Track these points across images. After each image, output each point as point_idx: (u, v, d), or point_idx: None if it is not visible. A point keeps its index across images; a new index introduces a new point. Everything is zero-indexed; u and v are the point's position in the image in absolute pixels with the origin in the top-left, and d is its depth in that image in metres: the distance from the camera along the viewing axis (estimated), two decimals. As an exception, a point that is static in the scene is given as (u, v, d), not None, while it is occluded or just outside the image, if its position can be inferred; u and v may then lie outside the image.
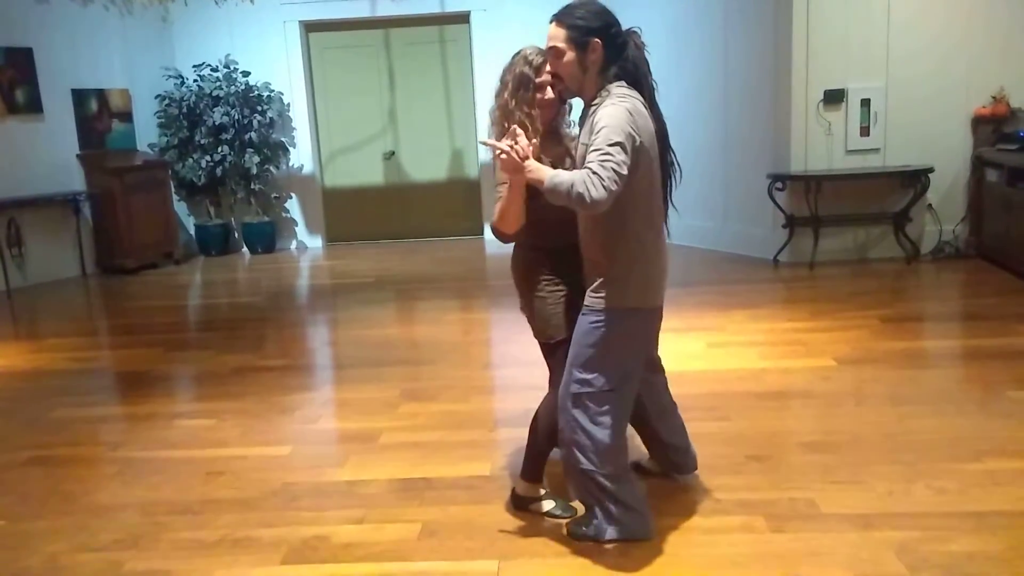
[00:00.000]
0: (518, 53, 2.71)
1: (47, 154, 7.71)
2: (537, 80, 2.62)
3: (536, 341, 2.84)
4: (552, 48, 2.49)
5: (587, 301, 2.56)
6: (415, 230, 9.38)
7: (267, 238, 9.14)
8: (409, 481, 3.24)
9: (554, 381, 2.76)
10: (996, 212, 6.38)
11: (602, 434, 2.56)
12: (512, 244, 2.81)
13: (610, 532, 2.65)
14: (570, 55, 2.46)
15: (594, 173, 2.25)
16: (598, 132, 2.33)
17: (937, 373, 4.29)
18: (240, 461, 3.52)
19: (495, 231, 2.65)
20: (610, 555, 2.62)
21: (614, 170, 2.26)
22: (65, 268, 7.92)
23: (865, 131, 6.72)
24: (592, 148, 2.32)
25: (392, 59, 9.15)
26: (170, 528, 2.96)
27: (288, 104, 9.02)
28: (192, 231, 9.24)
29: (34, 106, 7.59)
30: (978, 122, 6.67)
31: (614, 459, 2.59)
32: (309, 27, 9.06)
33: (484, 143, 2.54)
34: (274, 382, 4.57)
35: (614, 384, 2.55)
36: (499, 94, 2.71)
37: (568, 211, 2.45)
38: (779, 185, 6.74)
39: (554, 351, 2.75)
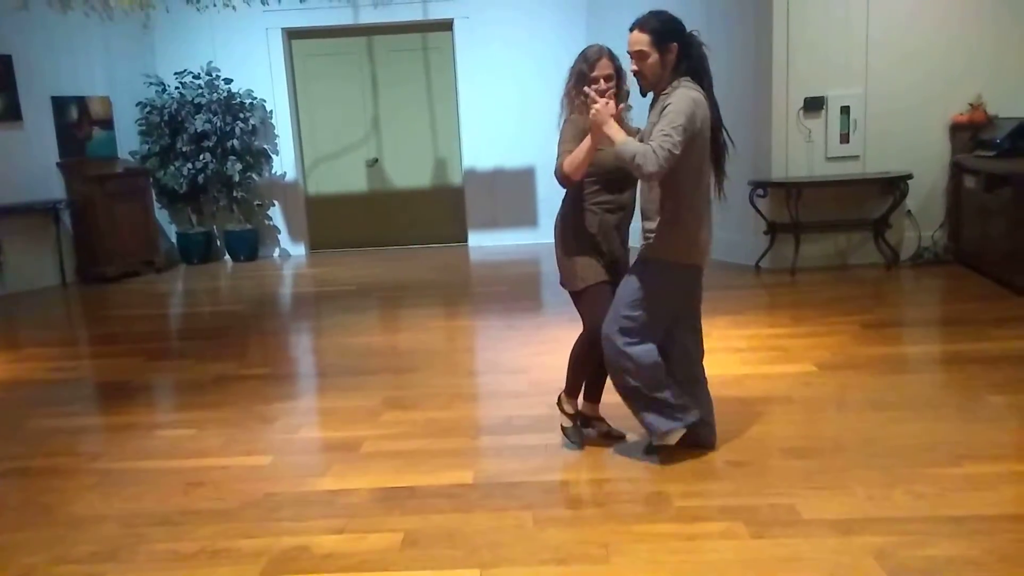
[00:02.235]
0: (582, 52, 3.27)
1: (26, 162, 7.66)
2: (591, 75, 3.17)
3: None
4: (638, 51, 2.99)
5: (641, 251, 3.15)
6: (399, 237, 9.37)
7: (249, 246, 9.11)
8: (391, 490, 3.22)
9: (584, 323, 3.35)
10: (974, 218, 6.44)
11: (640, 355, 3.11)
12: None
13: (667, 428, 3.18)
14: (654, 56, 2.98)
15: (654, 151, 2.82)
16: (667, 114, 2.89)
17: (917, 378, 4.33)
18: (221, 471, 3.50)
19: (563, 177, 3.18)
20: (591, 562, 2.63)
21: (670, 150, 2.82)
22: (45, 277, 7.85)
23: (845, 138, 6.79)
24: (659, 126, 2.87)
25: (375, 66, 9.15)
26: (149, 540, 2.93)
27: (271, 111, 9.00)
28: (174, 239, 9.19)
29: (13, 113, 7.54)
30: (956, 129, 6.75)
31: (652, 374, 3.13)
32: (292, 34, 9.05)
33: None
34: (256, 391, 4.54)
35: (650, 322, 3.12)
36: (566, 82, 3.29)
37: (617, 175, 3.17)
38: (760, 192, 6.79)
39: (578, 298, 3.37)
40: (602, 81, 3.17)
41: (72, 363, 5.51)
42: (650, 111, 3.11)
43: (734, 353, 4.75)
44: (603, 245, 3.31)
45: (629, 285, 3.15)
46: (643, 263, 3.13)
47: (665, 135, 2.83)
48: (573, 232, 3.32)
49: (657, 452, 3.28)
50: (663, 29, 2.96)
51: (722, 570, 2.55)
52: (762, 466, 3.29)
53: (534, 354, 4.88)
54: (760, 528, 2.77)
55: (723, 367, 4.48)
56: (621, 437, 3.54)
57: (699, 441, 3.38)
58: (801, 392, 4.09)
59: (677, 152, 2.83)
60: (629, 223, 3.39)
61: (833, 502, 2.93)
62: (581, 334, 3.41)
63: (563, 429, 3.53)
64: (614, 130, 2.97)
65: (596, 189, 3.26)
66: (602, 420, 3.60)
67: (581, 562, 2.63)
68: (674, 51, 2.97)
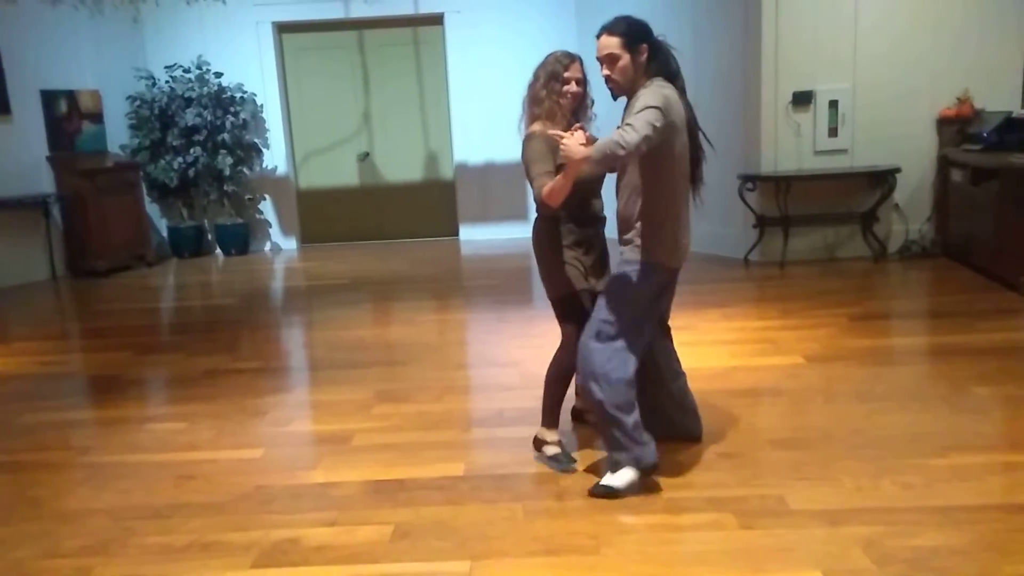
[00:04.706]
0: (551, 54, 3.22)
1: (15, 156, 7.61)
2: (565, 75, 3.12)
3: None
4: (609, 55, 2.91)
5: (621, 255, 3.06)
6: (390, 231, 9.37)
7: (241, 240, 9.09)
8: (382, 483, 3.23)
9: (565, 335, 3.27)
10: (961, 211, 6.49)
11: (613, 370, 2.95)
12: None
13: (622, 473, 2.99)
14: (625, 59, 2.90)
15: (628, 124, 2.71)
16: (638, 100, 2.80)
17: (904, 370, 4.36)
18: (211, 464, 3.50)
19: (541, 205, 3.09)
20: (581, 553, 2.65)
21: (648, 122, 2.70)
22: (34, 271, 7.82)
23: (833, 132, 6.81)
24: (632, 112, 2.78)
25: (366, 60, 9.13)
26: (139, 533, 2.93)
27: (261, 105, 8.97)
28: (165, 233, 9.16)
29: (2, 107, 7.47)
30: (943, 123, 6.78)
31: (623, 393, 2.96)
32: (282, 28, 9.02)
33: (551, 134, 2.94)
34: (247, 384, 4.55)
35: (628, 328, 2.98)
36: (531, 85, 3.22)
37: (587, 188, 3.12)
38: (749, 185, 6.81)
39: (561, 305, 3.27)
40: (574, 83, 3.13)
41: (62, 357, 5.50)
42: (623, 115, 2.96)
43: (723, 346, 4.78)
44: (583, 252, 3.24)
45: (609, 289, 3.07)
46: (625, 266, 3.03)
47: (638, 114, 2.73)
48: (549, 240, 3.23)
49: (603, 493, 3.00)
50: (631, 31, 2.91)
51: (711, 561, 2.57)
52: (751, 457, 3.31)
53: (525, 347, 4.89)
54: (749, 519, 2.80)
55: (712, 359, 4.51)
56: None
57: (686, 433, 3.41)
58: (789, 384, 4.12)
59: (659, 125, 2.72)
60: (604, 229, 3.33)
61: (821, 493, 2.96)
62: (558, 351, 3.30)
63: (552, 458, 3.28)
64: (588, 153, 2.75)
65: (566, 203, 3.05)
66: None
67: (571, 553, 2.65)
68: (644, 52, 2.92)
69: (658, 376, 3.32)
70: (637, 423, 2.99)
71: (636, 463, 2.98)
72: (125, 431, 3.97)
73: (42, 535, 2.96)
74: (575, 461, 3.28)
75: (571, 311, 3.24)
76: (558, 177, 2.94)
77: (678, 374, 3.40)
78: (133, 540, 2.89)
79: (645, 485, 3.03)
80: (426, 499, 3.08)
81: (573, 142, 2.76)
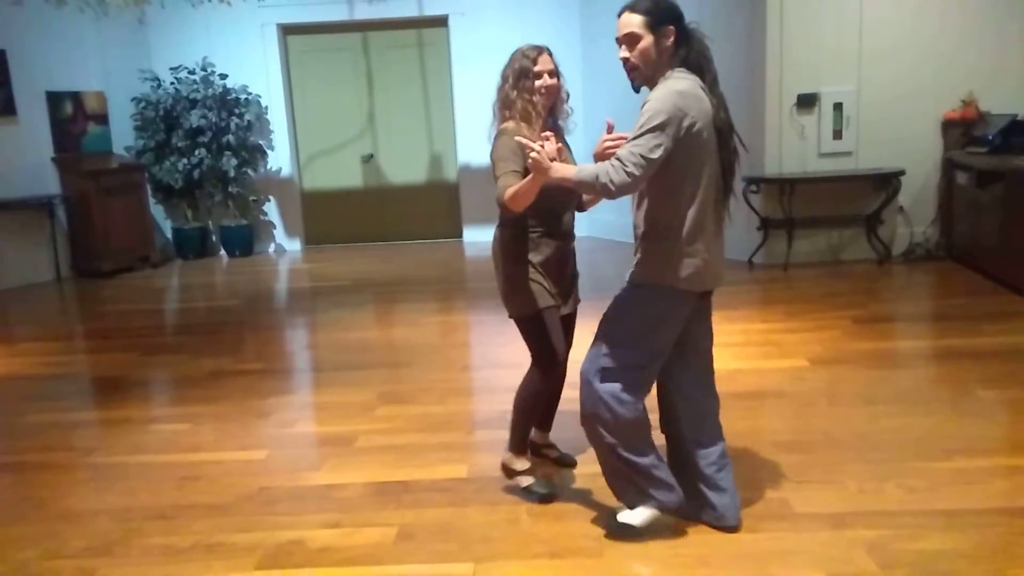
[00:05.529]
0: (516, 51, 2.95)
1: (21, 157, 7.63)
2: (535, 69, 2.86)
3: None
4: (629, 34, 2.52)
5: (630, 275, 2.64)
6: (394, 233, 9.37)
7: (245, 241, 9.10)
8: (386, 484, 3.24)
9: (533, 358, 2.98)
10: (965, 214, 6.47)
11: (625, 410, 2.59)
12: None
13: (641, 511, 2.67)
14: (647, 40, 2.51)
15: (618, 159, 2.39)
16: (642, 114, 2.43)
17: (908, 373, 4.35)
18: (215, 466, 3.50)
19: (504, 207, 2.76)
20: (584, 555, 2.64)
21: (641, 156, 2.37)
22: (39, 272, 7.83)
23: (838, 134, 6.81)
24: (632, 132, 2.43)
25: (370, 62, 9.14)
26: (143, 534, 2.94)
27: (266, 107, 8.98)
28: (169, 234, 9.17)
29: (7, 109, 7.51)
30: (948, 126, 6.77)
31: (637, 433, 2.62)
32: (287, 30, 9.03)
33: (521, 141, 2.65)
34: (251, 386, 4.55)
35: (644, 362, 2.60)
36: (500, 88, 2.98)
37: (559, 200, 2.80)
38: (754, 188, 6.80)
39: (526, 325, 2.95)
40: (546, 76, 2.87)
41: (67, 358, 5.51)
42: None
43: (727, 348, 4.76)
44: (552, 270, 2.96)
45: (613, 317, 2.66)
46: (633, 287, 2.64)
47: (633, 143, 2.40)
48: (514, 251, 2.94)
49: (621, 531, 2.71)
50: (657, 9, 2.50)
51: (714, 564, 2.57)
52: (754, 460, 3.31)
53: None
54: (753, 521, 2.79)
55: (716, 362, 4.46)
56: (573, 464, 3.32)
57: (713, 520, 2.75)
58: (793, 386, 4.11)
59: (654, 157, 2.37)
60: (573, 242, 3.08)
61: (825, 496, 2.95)
62: (527, 374, 3.01)
63: (525, 489, 3.03)
64: (561, 172, 2.52)
65: (535, 213, 2.85)
66: (552, 446, 3.38)
67: (575, 555, 2.65)
68: (671, 36, 2.51)
69: (680, 451, 2.77)
70: (656, 464, 2.65)
71: (661, 508, 2.68)
72: (129, 432, 3.98)
73: (46, 536, 2.96)
74: (554, 488, 3.05)
75: (536, 331, 2.93)
76: (525, 180, 2.65)
77: (705, 443, 2.75)
78: (137, 541, 2.89)
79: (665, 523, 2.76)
80: (430, 501, 3.08)
81: (543, 156, 2.50)
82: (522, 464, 3.06)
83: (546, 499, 3.00)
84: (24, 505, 3.23)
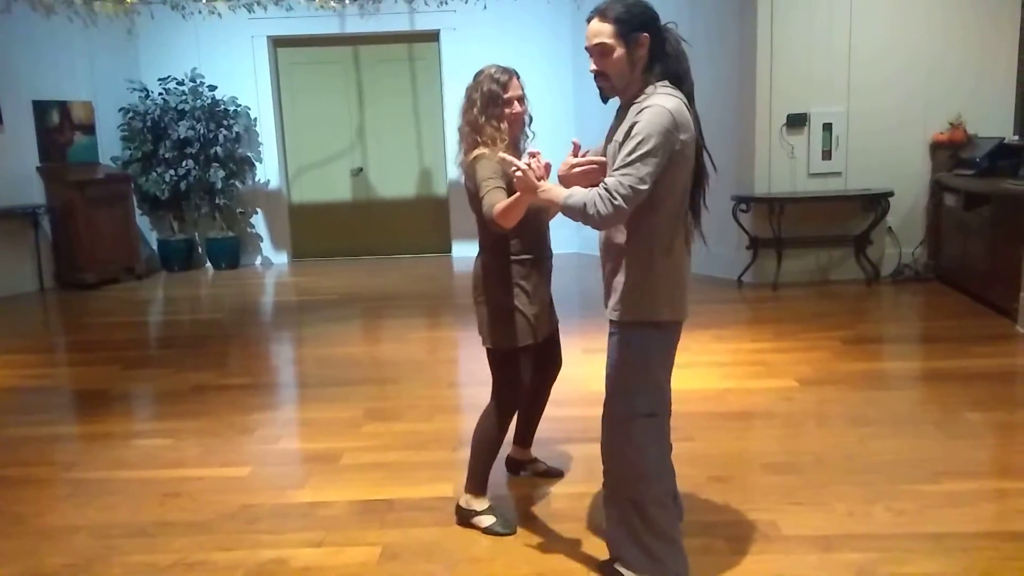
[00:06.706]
0: (481, 72, 2.83)
1: (5, 166, 7.57)
2: (505, 96, 2.76)
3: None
4: (598, 45, 2.34)
5: (614, 318, 2.42)
6: (383, 247, 9.34)
7: (231, 254, 9.05)
8: (370, 503, 3.20)
9: (500, 393, 2.91)
10: (953, 236, 6.51)
11: (644, 461, 2.44)
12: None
13: (638, 570, 2.46)
14: (619, 51, 2.32)
15: (607, 189, 2.22)
16: (633, 137, 2.24)
17: (897, 394, 4.35)
18: (197, 482, 3.45)
19: (492, 223, 2.66)
20: (572, 578, 2.61)
21: (631, 187, 2.20)
22: (22, 282, 7.75)
23: (827, 155, 6.85)
24: (620, 157, 2.25)
25: (361, 76, 9.14)
26: (123, 551, 2.89)
27: (255, 119, 8.96)
28: (155, 246, 9.11)
29: (-7, 117, 7.46)
30: (936, 148, 6.82)
31: (656, 486, 2.47)
32: (277, 42, 9.02)
33: (505, 159, 2.56)
34: (235, 401, 4.50)
35: (656, 407, 2.45)
36: (466, 111, 2.83)
37: (543, 219, 2.76)
38: (743, 207, 6.82)
39: (505, 360, 2.87)
40: (516, 104, 2.77)
41: (48, 370, 5.44)
42: (615, 121, 2.46)
43: (716, 367, 4.76)
44: (538, 294, 2.87)
45: (614, 365, 2.46)
46: (624, 330, 2.42)
47: (624, 173, 2.22)
48: (499, 279, 2.86)
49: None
50: (629, 17, 2.30)
51: (702, 586, 2.54)
52: (742, 482, 3.29)
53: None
54: (740, 544, 2.77)
55: (705, 381, 4.49)
56: (560, 474, 3.33)
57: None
58: (782, 407, 4.10)
59: (644, 187, 2.21)
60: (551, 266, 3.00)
61: (813, 518, 2.94)
62: (484, 416, 2.93)
63: (486, 530, 2.91)
64: (550, 194, 2.38)
65: (520, 234, 2.80)
66: (535, 460, 3.36)
67: (561, 577, 2.62)
68: (644, 44, 2.31)
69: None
70: (673, 524, 2.49)
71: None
72: (110, 447, 3.92)
73: (25, 552, 2.91)
74: (514, 527, 2.93)
75: (508, 368, 2.85)
76: (512, 198, 2.54)
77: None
78: (117, 559, 2.84)
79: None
80: (415, 520, 3.04)
81: (530, 175, 2.38)
82: (481, 504, 2.96)
83: (508, 531, 2.90)
84: (2, 521, 3.17)
